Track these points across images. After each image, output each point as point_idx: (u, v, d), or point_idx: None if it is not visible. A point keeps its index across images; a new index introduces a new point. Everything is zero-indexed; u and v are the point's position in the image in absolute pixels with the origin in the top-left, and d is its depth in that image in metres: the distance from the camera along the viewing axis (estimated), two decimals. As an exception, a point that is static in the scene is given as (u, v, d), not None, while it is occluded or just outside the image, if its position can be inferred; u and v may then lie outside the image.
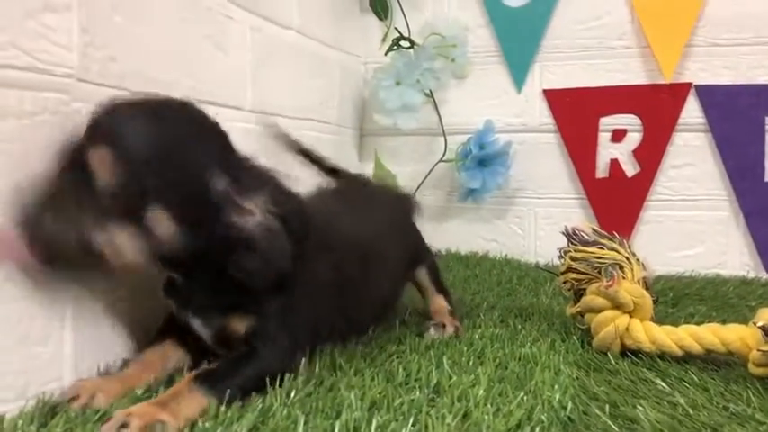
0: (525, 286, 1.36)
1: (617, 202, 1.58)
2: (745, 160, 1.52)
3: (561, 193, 1.64)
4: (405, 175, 1.73)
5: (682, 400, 0.72)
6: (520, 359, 0.85)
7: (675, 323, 0.93)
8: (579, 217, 1.60)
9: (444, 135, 1.68)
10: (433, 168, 1.70)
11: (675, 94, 1.55)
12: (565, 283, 1.01)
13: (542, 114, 1.65)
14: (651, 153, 1.57)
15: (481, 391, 0.71)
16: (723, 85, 1.53)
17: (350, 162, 1.70)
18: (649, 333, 0.88)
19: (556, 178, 1.65)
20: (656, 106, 1.56)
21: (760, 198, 1.52)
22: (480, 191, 1.61)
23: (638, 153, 1.57)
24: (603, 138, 1.60)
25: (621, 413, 0.68)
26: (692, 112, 1.55)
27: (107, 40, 0.82)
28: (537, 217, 1.67)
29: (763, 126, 1.51)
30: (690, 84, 1.55)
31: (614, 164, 1.59)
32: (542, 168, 1.65)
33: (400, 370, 0.78)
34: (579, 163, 1.61)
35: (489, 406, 0.68)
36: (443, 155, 1.67)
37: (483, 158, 1.60)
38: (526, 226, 1.68)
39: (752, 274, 1.52)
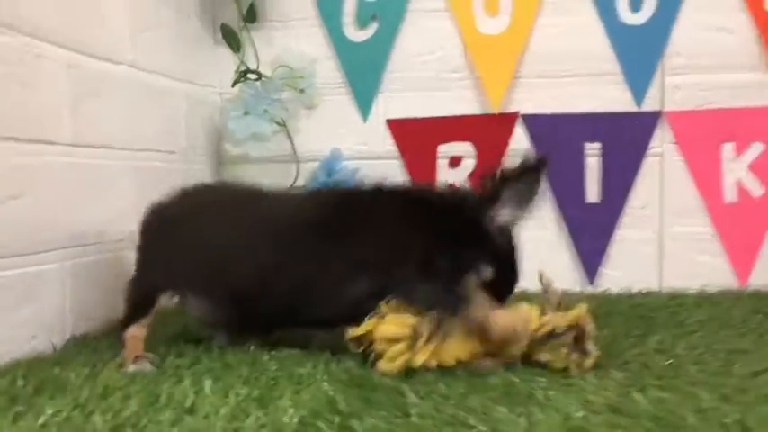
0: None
1: (453, 224, 1.67)
2: (568, 183, 1.65)
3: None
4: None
5: (414, 411, 0.79)
6: (293, 378, 0.91)
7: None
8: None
9: (297, 162, 1.75)
10: (285, 195, 1.75)
11: (504, 122, 1.66)
12: None
13: (386, 142, 1.73)
14: (485, 178, 1.67)
15: (225, 411, 0.76)
16: (547, 115, 1.66)
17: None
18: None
19: (401, 202, 1.73)
20: (488, 134, 1.67)
21: (583, 218, 1.65)
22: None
23: (472, 178, 1.67)
24: (441, 164, 1.70)
25: (347, 426, 0.75)
26: (519, 138, 1.67)
27: None
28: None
29: (583, 152, 1.64)
30: (517, 113, 1.66)
31: (451, 188, 1.68)
32: (388, 193, 1.73)
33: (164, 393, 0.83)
34: (421, 188, 1.70)
35: (228, 424, 0.73)
36: (294, 181, 1.73)
37: (332, 185, 1.67)
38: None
39: (577, 288, 1.64)
